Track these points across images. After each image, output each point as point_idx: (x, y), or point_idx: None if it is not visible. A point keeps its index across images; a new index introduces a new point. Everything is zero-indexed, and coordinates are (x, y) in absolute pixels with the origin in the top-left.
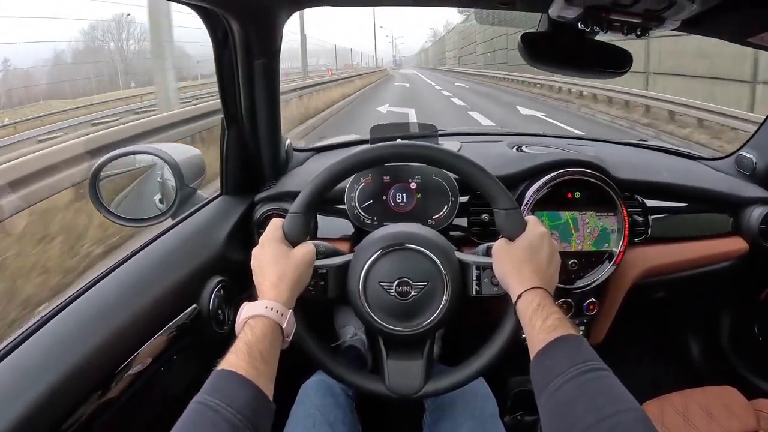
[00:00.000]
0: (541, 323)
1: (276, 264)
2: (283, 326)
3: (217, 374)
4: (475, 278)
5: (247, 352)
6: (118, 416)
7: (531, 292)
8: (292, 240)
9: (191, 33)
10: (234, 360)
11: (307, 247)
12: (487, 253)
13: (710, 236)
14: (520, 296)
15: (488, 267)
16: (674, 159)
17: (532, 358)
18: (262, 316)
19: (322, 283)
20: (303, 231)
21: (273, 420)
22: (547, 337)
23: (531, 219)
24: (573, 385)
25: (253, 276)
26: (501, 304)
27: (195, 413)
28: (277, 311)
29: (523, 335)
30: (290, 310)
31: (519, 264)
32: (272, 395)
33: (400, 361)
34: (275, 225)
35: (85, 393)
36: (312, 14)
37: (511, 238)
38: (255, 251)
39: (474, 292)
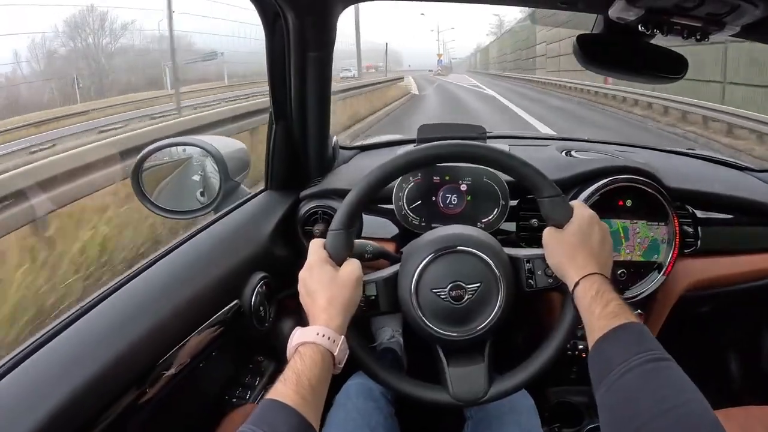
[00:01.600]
0: (600, 309)
1: (324, 287)
2: (335, 353)
3: (264, 404)
4: (527, 272)
5: (296, 381)
6: (157, 410)
7: (588, 278)
8: (336, 257)
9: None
10: (282, 389)
11: (352, 265)
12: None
13: (760, 250)
14: (577, 283)
15: (539, 258)
16: (723, 169)
17: (591, 346)
18: (313, 343)
19: (372, 297)
20: (346, 246)
21: None
22: (608, 323)
23: (576, 203)
24: (636, 374)
25: (301, 300)
26: (550, 305)
27: None
28: (329, 338)
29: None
30: (342, 337)
31: (572, 250)
32: (319, 423)
33: (462, 367)
34: (317, 245)
35: (124, 386)
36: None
37: (560, 226)
38: (302, 275)
39: (528, 287)
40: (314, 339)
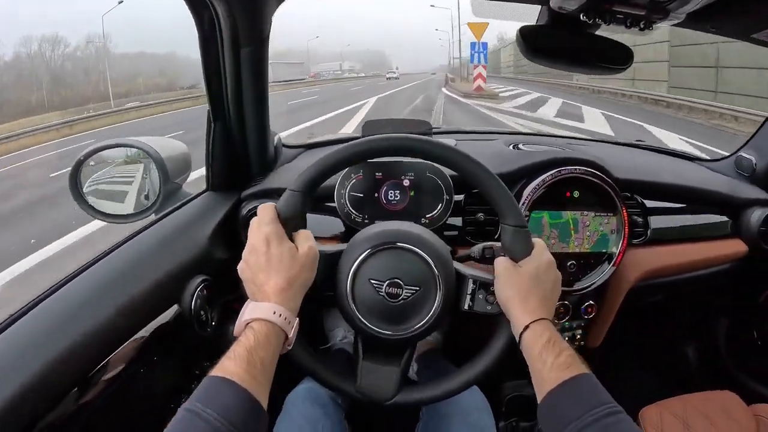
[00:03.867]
0: (553, 359)
1: (283, 266)
2: (290, 334)
3: (210, 381)
4: (469, 292)
5: (247, 359)
6: (95, 419)
7: (539, 324)
8: (290, 221)
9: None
10: (231, 367)
11: (310, 242)
12: (483, 254)
13: (709, 238)
14: (527, 327)
15: (487, 284)
16: (673, 160)
17: (541, 398)
18: (268, 321)
19: None
20: (300, 213)
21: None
22: (560, 375)
23: (538, 242)
24: (594, 430)
25: (247, 271)
26: (493, 322)
27: (183, 421)
28: (285, 318)
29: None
30: (296, 318)
31: (526, 291)
32: (266, 404)
33: (376, 364)
34: (271, 214)
35: (59, 395)
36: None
37: (516, 259)
38: (256, 245)
39: (466, 307)
40: (269, 317)
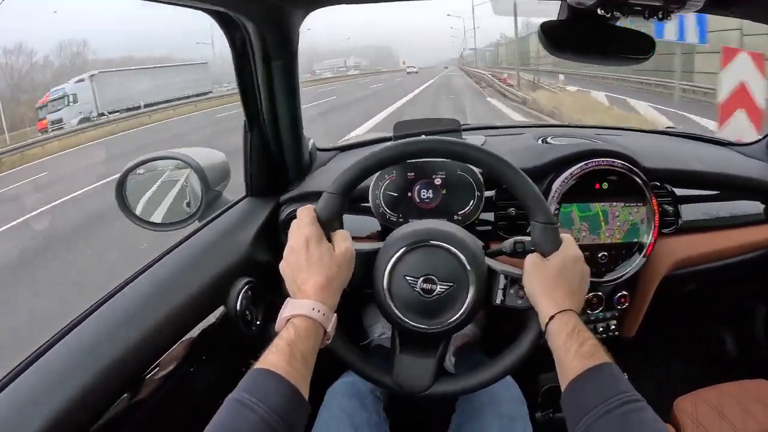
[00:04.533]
0: (577, 348)
1: (322, 265)
2: (328, 329)
3: (254, 372)
4: (501, 287)
5: (288, 352)
6: (148, 419)
7: (564, 314)
8: (328, 223)
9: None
10: (274, 359)
11: (347, 243)
12: (515, 248)
13: (742, 225)
14: (552, 317)
15: (517, 279)
16: (703, 146)
17: (565, 385)
18: (308, 316)
19: None
20: (338, 214)
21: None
22: (584, 363)
23: (566, 238)
24: (614, 417)
25: (288, 270)
26: (524, 315)
27: (230, 410)
28: (324, 314)
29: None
30: (335, 314)
31: (553, 283)
32: (307, 396)
33: (412, 357)
34: (310, 216)
35: (114, 396)
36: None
37: (545, 254)
38: (296, 245)
39: (498, 301)
40: (308, 313)
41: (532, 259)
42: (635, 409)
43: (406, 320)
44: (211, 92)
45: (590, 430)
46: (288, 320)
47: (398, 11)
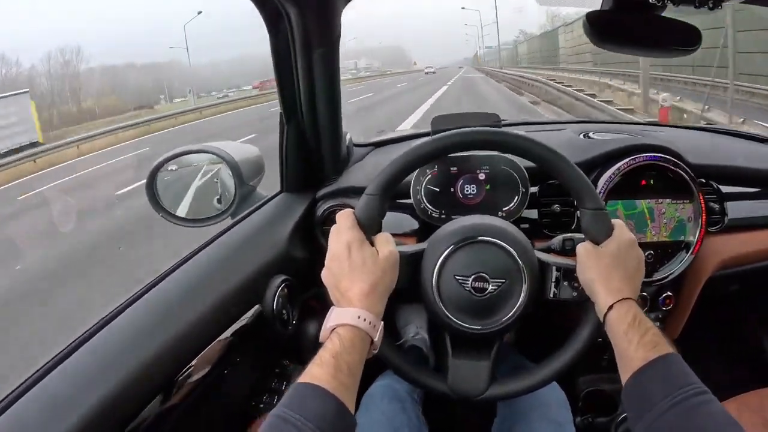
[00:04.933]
0: (639, 339)
1: (366, 271)
2: (375, 338)
3: (298, 387)
4: (554, 280)
5: (334, 365)
6: (184, 418)
7: (624, 303)
8: (368, 225)
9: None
10: (318, 372)
11: (390, 246)
12: (564, 245)
13: None
14: (611, 307)
15: (570, 270)
16: (746, 143)
17: (626, 378)
18: (354, 326)
19: None
20: (379, 216)
21: None
22: (646, 354)
23: (618, 223)
24: (679, 411)
25: (331, 278)
26: (576, 308)
27: (273, 426)
28: (370, 323)
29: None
30: (381, 322)
31: (608, 272)
32: (354, 408)
33: (466, 360)
34: (350, 220)
35: (147, 398)
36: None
37: (597, 242)
38: (338, 252)
39: (552, 295)
40: (355, 322)
41: (584, 247)
42: (704, 402)
43: (459, 322)
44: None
45: (656, 425)
46: (333, 330)
47: (410, 10)
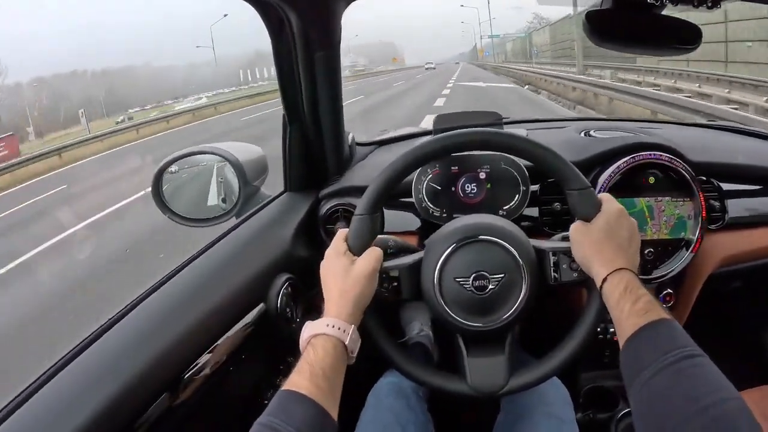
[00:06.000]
0: (630, 306)
1: (336, 279)
2: (346, 342)
3: (279, 395)
4: (552, 265)
5: (309, 371)
6: (191, 415)
7: (616, 274)
8: (359, 245)
9: None
10: (296, 380)
11: (368, 258)
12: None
13: None
14: (605, 279)
15: (566, 252)
16: (747, 139)
17: (621, 344)
18: (324, 334)
19: (395, 284)
20: (370, 233)
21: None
22: (638, 321)
23: (605, 197)
24: (669, 373)
25: (321, 282)
26: (580, 290)
27: None
28: (339, 328)
29: (609, 321)
30: (352, 326)
31: (600, 245)
32: (336, 411)
33: (482, 358)
34: (340, 237)
35: (157, 393)
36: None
37: (587, 219)
38: (323, 262)
39: (553, 280)
40: (324, 330)
41: (575, 226)
42: (694, 365)
43: (465, 322)
44: None
45: (646, 389)
46: (308, 341)
47: (402, 4)
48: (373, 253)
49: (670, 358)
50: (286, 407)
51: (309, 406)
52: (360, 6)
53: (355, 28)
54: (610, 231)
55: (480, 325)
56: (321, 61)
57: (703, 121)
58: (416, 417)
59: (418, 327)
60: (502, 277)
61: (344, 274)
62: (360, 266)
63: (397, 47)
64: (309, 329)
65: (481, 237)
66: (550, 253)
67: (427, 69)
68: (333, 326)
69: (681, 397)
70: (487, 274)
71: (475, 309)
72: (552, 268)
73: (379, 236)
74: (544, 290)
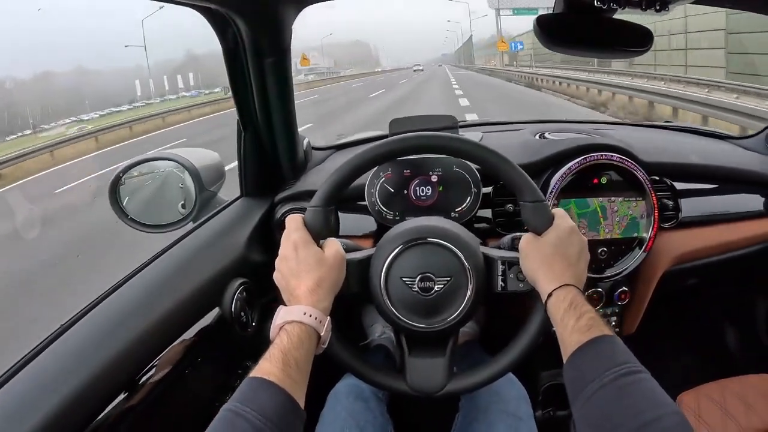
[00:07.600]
0: (573, 323)
1: (312, 268)
2: (321, 333)
3: (248, 382)
4: (500, 273)
5: (282, 360)
6: (143, 421)
7: (562, 290)
8: (316, 235)
9: None
10: (268, 367)
11: (336, 245)
12: (513, 244)
13: (743, 218)
14: (550, 294)
15: (514, 262)
16: (701, 140)
17: (565, 361)
18: (300, 322)
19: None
20: (325, 225)
21: (303, 428)
22: (580, 338)
23: (558, 212)
24: (610, 390)
25: (281, 279)
26: (529, 299)
27: (224, 421)
28: (316, 318)
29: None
30: (328, 318)
31: (549, 260)
32: (304, 403)
33: (422, 358)
34: (297, 222)
35: (108, 398)
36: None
37: (539, 232)
38: (285, 254)
39: (499, 288)
40: (301, 318)
41: (526, 238)
42: (635, 381)
43: (409, 322)
44: None
45: (588, 405)
46: (281, 328)
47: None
48: (337, 243)
49: (611, 374)
50: (255, 395)
51: (280, 395)
52: (331, 6)
53: (330, 27)
54: (560, 247)
55: (423, 325)
56: (271, 68)
57: (659, 123)
58: (375, 418)
59: (380, 329)
60: (447, 280)
61: (318, 261)
62: (332, 253)
63: (372, 49)
64: (283, 314)
65: (429, 239)
66: (499, 262)
67: (415, 71)
68: (310, 315)
69: (622, 413)
70: (433, 276)
71: (420, 309)
72: (500, 277)
73: (336, 239)
74: (489, 297)
